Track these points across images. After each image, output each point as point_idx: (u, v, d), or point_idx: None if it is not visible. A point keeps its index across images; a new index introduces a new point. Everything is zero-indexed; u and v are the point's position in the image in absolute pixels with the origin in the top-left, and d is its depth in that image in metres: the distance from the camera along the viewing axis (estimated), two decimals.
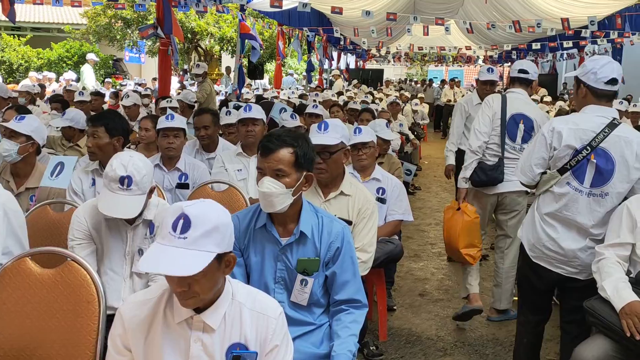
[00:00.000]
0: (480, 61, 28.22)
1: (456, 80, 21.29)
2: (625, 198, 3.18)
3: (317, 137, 3.44)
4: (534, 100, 9.87)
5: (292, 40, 16.95)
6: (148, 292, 2.09)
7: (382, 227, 4.36)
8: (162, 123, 4.64)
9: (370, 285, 4.39)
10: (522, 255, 3.51)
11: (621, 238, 3.06)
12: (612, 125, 3.15)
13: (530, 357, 3.69)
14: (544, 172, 3.31)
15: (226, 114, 6.11)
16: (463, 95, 14.35)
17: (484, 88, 6.07)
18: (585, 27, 14.14)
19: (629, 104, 10.98)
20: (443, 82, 28.02)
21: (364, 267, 3.56)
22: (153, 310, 2.02)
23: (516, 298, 4.55)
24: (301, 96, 12.98)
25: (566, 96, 19.51)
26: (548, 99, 15.76)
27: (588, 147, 3.14)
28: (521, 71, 4.83)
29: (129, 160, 2.91)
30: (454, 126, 6.32)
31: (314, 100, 10.02)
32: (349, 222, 3.59)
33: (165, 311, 2.01)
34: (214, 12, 17.71)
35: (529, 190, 4.21)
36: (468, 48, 20.28)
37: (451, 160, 6.05)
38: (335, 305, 2.74)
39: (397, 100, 11.46)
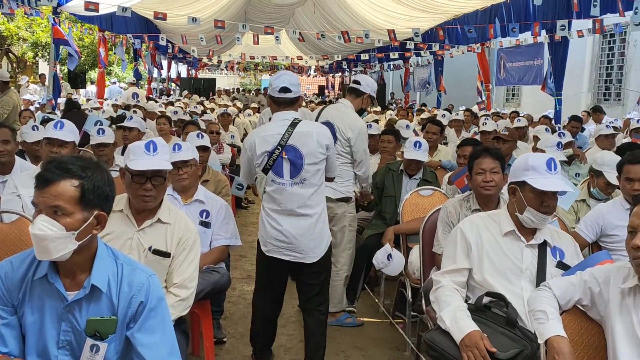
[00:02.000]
0: (312, 71, 28.55)
1: None
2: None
3: (145, 160, 3.06)
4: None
5: (115, 47, 15.92)
6: None
7: (207, 254, 3.95)
8: None
9: (194, 318, 3.94)
10: (258, 252, 3.94)
11: (457, 264, 2.93)
12: (294, 125, 3.73)
13: (265, 334, 4.06)
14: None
15: (33, 129, 5.28)
16: None
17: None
18: (410, 39, 14.68)
19: (451, 114, 11.48)
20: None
21: (184, 306, 3.11)
22: None
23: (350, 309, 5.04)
24: (127, 107, 12.11)
25: (394, 105, 20.22)
26: (377, 108, 16.17)
27: (279, 147, 3.69)
28: (354, 82, 4.96)
29: None
30: None
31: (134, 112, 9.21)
32: (167, 254, 3.12)
33: None
34: (25, 16, 16.19)
35: (350, 197, 4.84)
36: (300, 58, 20.36)
37: None
38: None
39: (228, 111, 11.01)
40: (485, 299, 2.80)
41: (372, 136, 6.83)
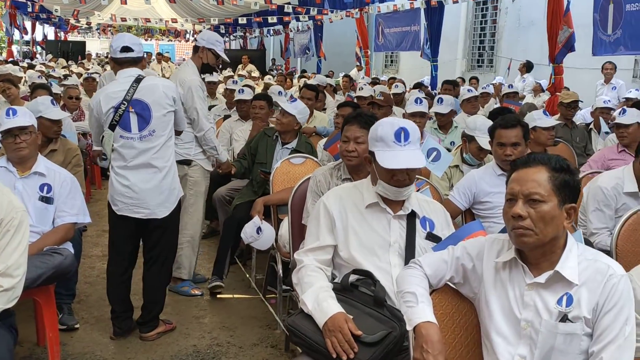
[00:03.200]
0: (190, 35, 27.53)
1: (165, 54, 20.37)
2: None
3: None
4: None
5: None
6: None
7: (49, 234, 3.56)
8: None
9: (37, 307, 3.47)
10: (109, 212, 3.92)
11: (320, 241, 2.65)
12: (138, 80, 3.77)
13: (122, 300, 3.99)
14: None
15: None
16: (171, 73, 13.53)
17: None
18: (288, 2, 14.34)
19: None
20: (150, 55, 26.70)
21: (9, 297, 2.66)
22: None
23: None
24: None
25: (274, 72, 19.88)
26: (256, 74, 15.77)
27: (124, 102, 3.72)
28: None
29: None
30: None
31: None
32: None
33: None
34: None
35: (191, 160, 4.65)
36: (174, 21, 19.44)
37: None
38: None
39: (93, 76, 10.20)
40: (352, 277, 2.55)
41: (244, 101, 6.48)
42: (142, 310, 4.02)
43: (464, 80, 13.14)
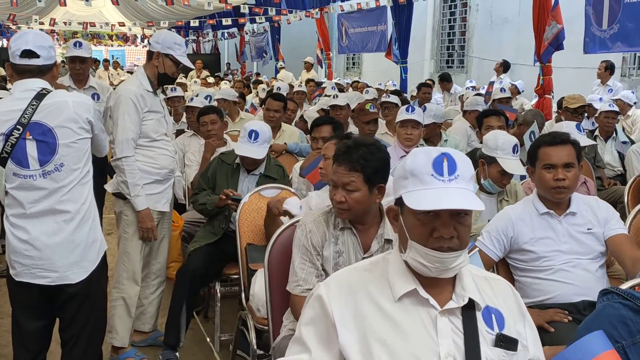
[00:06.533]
0: (139, 40, 26.21)
1: (113, 59, 19.14)
2: None
3: None
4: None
5: None
6: None
7: None
8: None
9: None
10: (7, 278, 2.86)
11: (312, 355, 1.66)
12: (41, 96, 2.74)
13: None
14: None
15: None
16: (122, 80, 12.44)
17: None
18: (245, 2, 13.39)
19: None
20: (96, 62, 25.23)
21: None
22: None
23: None
24: None
25: (230, 76, 18.86)
26: (211, 79, 14.73)
27: (18, 127, 2.70)
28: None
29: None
30: None
31: None
32: None
33: None
34: None
35: None
36: (122, 24, 18.20)
37: None
38: None
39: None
40: None
41: (193, 110, 5.49)
42: None
43: (433, 82, 12.34)
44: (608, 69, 8.74)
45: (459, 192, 1.61)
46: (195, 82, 12.81)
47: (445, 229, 1.62)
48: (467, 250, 1.72)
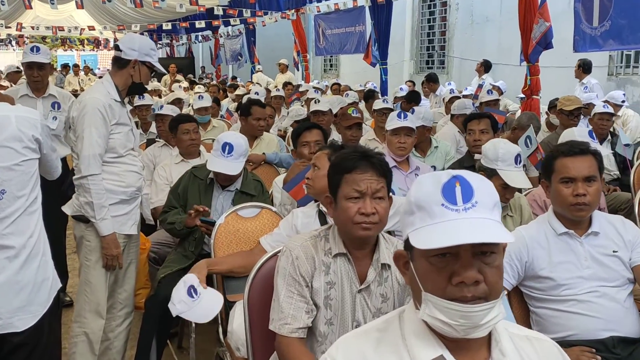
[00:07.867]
0: (112, 44, 25.61)
1: (85, 64, 18.59)
2: None
3: None
4: None
5: None
6: None
7: None
8: None
9: None
10: None
11: None
12: None
13: None
14: None
15: None
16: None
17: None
18: (218, 4, 13.01)
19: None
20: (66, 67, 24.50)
21: None
22: None
23: None
24: None
25: (205, 80, 18.43)
26: (185, 84, 14.29)
27: None
28: (115, 47, 3.11)
29: None
30: None
31: None
32: None
33: None
34: None
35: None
36: (92, 28, 17.63)
37: None
38: None
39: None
40: None
41: (163, 119, 5.06)
42: None
43: (414, 84, 12.04)
44: (581, 67, 8.51)
45: (479, 223, 1.26)
46: (180, 87, 12.33)
47: (467, 272, 1.25)
48: (501, 300, 1.35)
